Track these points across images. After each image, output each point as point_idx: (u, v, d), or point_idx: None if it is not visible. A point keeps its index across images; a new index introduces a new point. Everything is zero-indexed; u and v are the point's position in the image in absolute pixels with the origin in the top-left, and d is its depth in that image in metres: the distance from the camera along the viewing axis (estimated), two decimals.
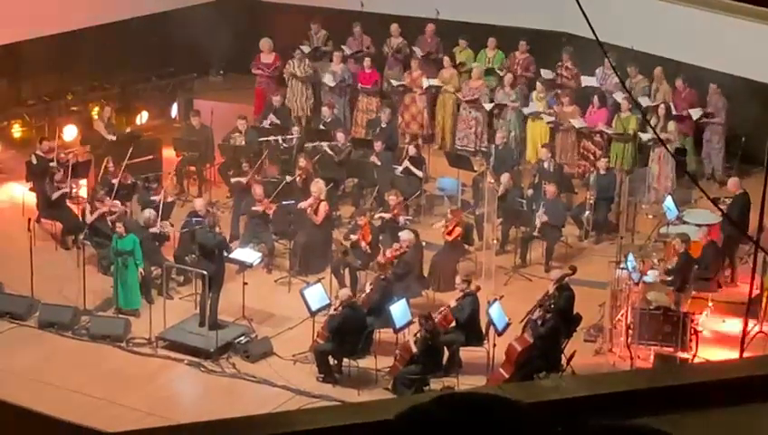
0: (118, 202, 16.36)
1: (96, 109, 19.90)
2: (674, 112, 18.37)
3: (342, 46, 20.84)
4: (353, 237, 15.74)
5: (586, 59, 19.23)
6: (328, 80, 20.19)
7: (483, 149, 19.34)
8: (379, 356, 13.94)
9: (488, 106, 19.49)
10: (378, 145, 18.11)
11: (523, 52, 20.10)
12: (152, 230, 15.61)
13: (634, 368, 13.52)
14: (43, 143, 17.83)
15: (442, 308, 14.13)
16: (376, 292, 14.36)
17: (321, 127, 19.13)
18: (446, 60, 20.13)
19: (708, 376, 3.74)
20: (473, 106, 19.70)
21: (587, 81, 19.40)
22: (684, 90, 18.70)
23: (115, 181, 16.74)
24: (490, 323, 13.79)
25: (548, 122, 18.99)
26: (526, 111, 19.26)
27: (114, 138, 18.67)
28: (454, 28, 20.68)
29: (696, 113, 18.48)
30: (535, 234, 16.50)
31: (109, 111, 19.35)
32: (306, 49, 20.72)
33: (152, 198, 16.64)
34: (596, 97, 18.90)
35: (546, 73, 19.63)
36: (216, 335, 14.26)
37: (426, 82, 19.87)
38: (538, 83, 19.40)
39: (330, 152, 18.19)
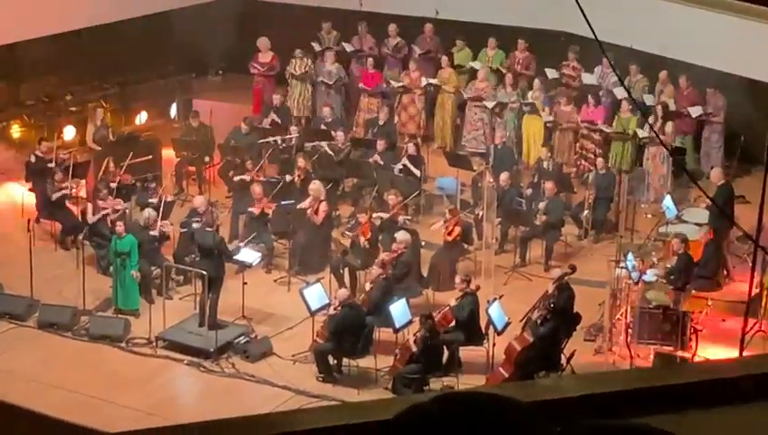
0: (120, 201, 16.36)
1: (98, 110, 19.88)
2: (673, 109, 18.39)
3: (344, 43, 20.88)
4: (349, 234, 15.76)
5: (586, 58, 19.26)
6: (325, 77, 20.25)
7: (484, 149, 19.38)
8: (379, 356, 13.94)
9: (490, 104, 19.51)
10: (380, 144, 18.10)
11: (522, 50, 20.11)
12: (152, 233, 15.56)
13: (634, 367, 13.51)
14: (43, 144, 17.81)
15: (443, 307, 14.12)
16: (375, 291, 14.35)
17: (323, 127, 19.14)
18: (444, 59, 20.15)
19: (708, 375, 3.73)
20: (479, 107, 19.71)
21: (587, 78, 19.44)
22: (686, 88, 18.73)
23: (114, 182, 16.75)
24: (489, 322, 13.78)
25: (546, 122, 19.01)
26: (524, 108, 19.30)
27: (99, 148, 18.54)
28: (453, 28, 20.68)
29: (695, 111, 18.49)
30: (537, 223, 16.48)
31: (101, 114, 19.25)
32: (317, 47, 20.74)
33: (150, 199, 16.62)
34: (589, 95, 18.92)
35: (551, 72, 19.63)
36: (216, 335, 14.26)
37: (424, 82, 19.89)
38: (536, 81, 19.42)
39: (329, 152, 18.20)
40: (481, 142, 19.71)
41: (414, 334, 13.71)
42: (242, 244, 15.74)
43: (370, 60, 20.45)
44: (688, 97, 18.70)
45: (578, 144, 18.96)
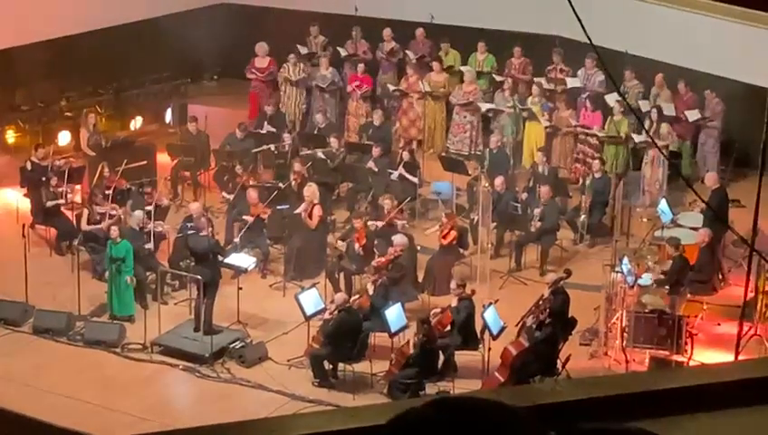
0: (116, 206, 16.34)
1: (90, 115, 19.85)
2: (672, 114, 18.41)
3: (339, 48, 20.88)
4: (342, 244, 15.75)
5: (577, 62, 19.27)
6: (320, 81, 20.26)
7: (477, 153, 19.36)
8: (375, 360, 13.94)
9: (484, 106, 19.51)
10: (376, 151, 18.06)
11: (518, 57, 20.14)
12: (146, 230, 15.53)
13: (629, 371, 13.52)
14: (39, 150, 17.80)
15: (442, 308, 14.08)
16: (378, 296, 14.35)
17: (316, 132, 19.14)
18: (436, 64, 20.18)
19: (703, 379, 3.74)
20: (466, 110, 19.72)
21: (571, 82, 19.46)
22: (686, 93, 18.76)
23: (109, 187, 16.73)
24: (485, 327, 13.78)
25: (546, 127, 19.02)
26: (525, 113, 19.32)
27: (94, 153, 18.50)
28: (445, 32, 20.70)
29: (692, 115, 18.51)
30: (533, 228, 16.48)
31: (93, 118, 19.18)
32: (303, 50, 20.74)
33: (145, 204, 16.59)
34: (587, 100, 18.94)
35: (540, 81, 19.65)
36: (211, 340, 14.25)
37: (423, 87, 19.88)
38: (534, 87, 19.44)
39: (324, 158, 18.18)
40: (466, 145, 19.72)
41: (414, 335, 13.69)
42: (237, 247, 15.73)
43: (361, 64, 20.45)
44: (687, 102, 18.73)
45: (576, 148, 18.98)
